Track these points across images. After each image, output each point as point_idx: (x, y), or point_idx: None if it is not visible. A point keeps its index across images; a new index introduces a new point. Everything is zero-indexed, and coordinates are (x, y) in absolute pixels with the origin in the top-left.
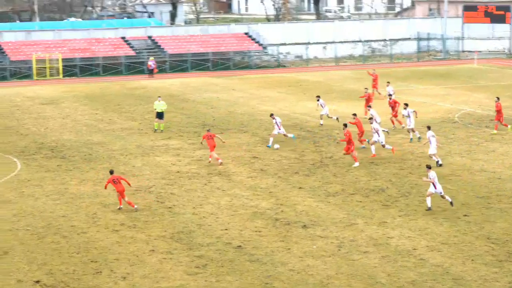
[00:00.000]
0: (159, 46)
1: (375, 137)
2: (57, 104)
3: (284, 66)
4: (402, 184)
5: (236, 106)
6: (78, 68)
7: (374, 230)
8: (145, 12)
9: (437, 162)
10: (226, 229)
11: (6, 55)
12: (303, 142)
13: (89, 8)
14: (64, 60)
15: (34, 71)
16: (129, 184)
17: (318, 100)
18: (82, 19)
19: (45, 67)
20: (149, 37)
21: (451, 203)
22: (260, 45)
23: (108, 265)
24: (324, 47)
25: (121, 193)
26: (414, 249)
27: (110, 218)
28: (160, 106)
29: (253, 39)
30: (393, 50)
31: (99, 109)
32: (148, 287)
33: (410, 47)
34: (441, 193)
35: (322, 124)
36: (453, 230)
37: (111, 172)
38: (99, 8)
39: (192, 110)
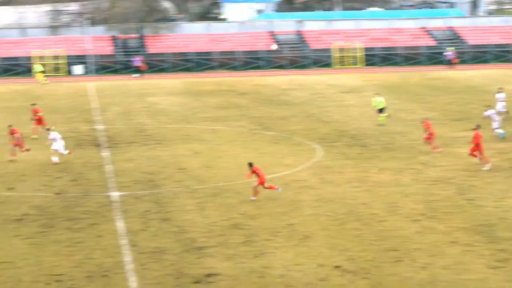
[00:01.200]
0: (459, 36)
1: None
2: (357, 92)
3: None
4: None
5: None
6: (378, 57)
7: None
8: (446, 2)
9: None
10: None
11: (307, 43)
12: None
13: None
14: (364, 49)
15: (334, 60)
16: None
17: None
18: (383, 9)
19: (344, 56)
20: (449, 28)
21: None
22: None
23: (408, 254)
24: None
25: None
26: None
27: (410, 208)
28: (377, 102)
29: None
30: None
31: (400, 99)
32: (449, 278)
33: None
34: None
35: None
36: None
37: (251, 165)
38: None
39: (495, 102)
